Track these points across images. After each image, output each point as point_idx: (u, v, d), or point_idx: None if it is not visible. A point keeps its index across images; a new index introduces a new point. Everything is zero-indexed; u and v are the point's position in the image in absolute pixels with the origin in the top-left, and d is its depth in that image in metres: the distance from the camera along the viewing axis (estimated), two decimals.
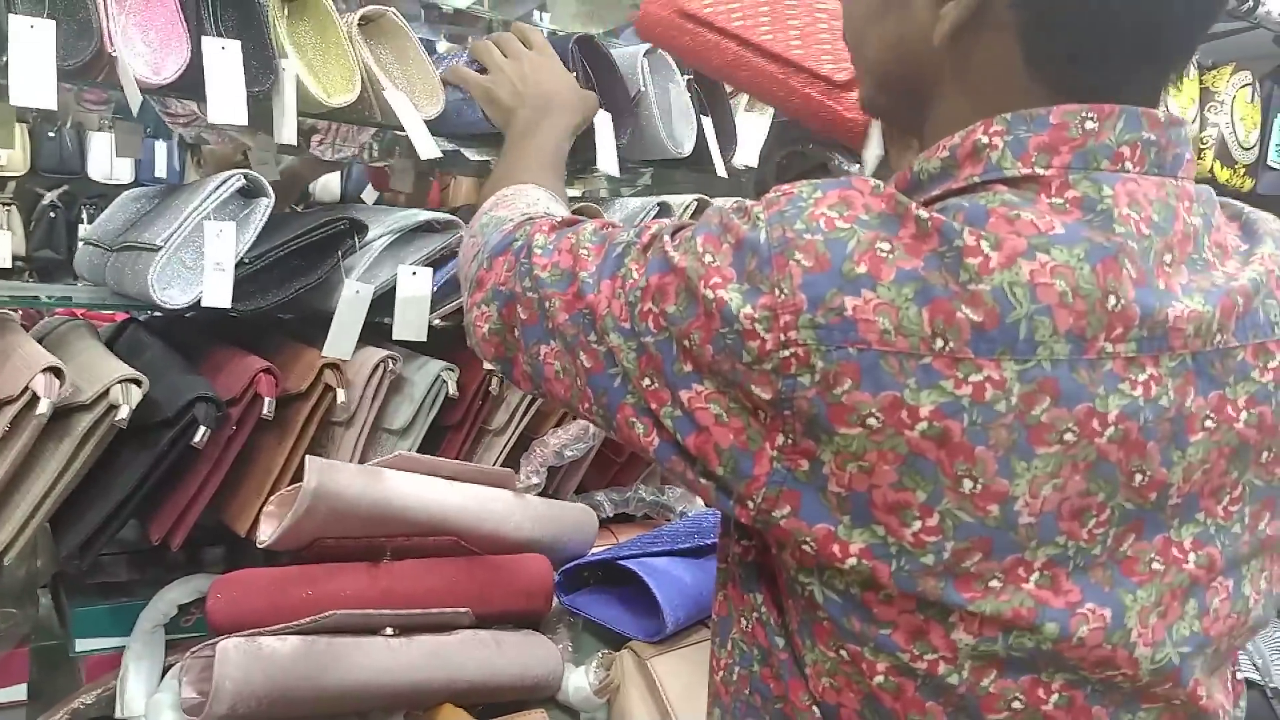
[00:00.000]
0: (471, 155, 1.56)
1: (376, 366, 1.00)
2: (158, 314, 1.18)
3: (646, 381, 0.54)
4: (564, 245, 0.61)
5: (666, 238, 0.55)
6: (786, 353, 0.48)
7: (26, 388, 0.80)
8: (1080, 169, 0.50)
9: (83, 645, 0.99)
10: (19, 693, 0.94)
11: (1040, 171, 0.50)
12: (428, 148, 1.00)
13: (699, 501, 1.26)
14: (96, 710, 0.91)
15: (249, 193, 0.96)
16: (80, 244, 1.21)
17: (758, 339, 0.49)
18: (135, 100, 0.90)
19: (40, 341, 1.02)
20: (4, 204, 2.47)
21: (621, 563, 1.02)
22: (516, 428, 1.10)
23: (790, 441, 0.49)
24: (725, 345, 0.50)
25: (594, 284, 0.57)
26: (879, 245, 0.48)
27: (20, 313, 1.15)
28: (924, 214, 0.49)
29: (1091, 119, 0.50)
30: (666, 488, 1.23)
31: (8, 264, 2.33)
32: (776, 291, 0.48)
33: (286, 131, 0.95)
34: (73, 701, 0.91)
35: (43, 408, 0.80)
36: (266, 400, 0.93)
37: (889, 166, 0.82)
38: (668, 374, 0.53)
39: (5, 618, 0.92)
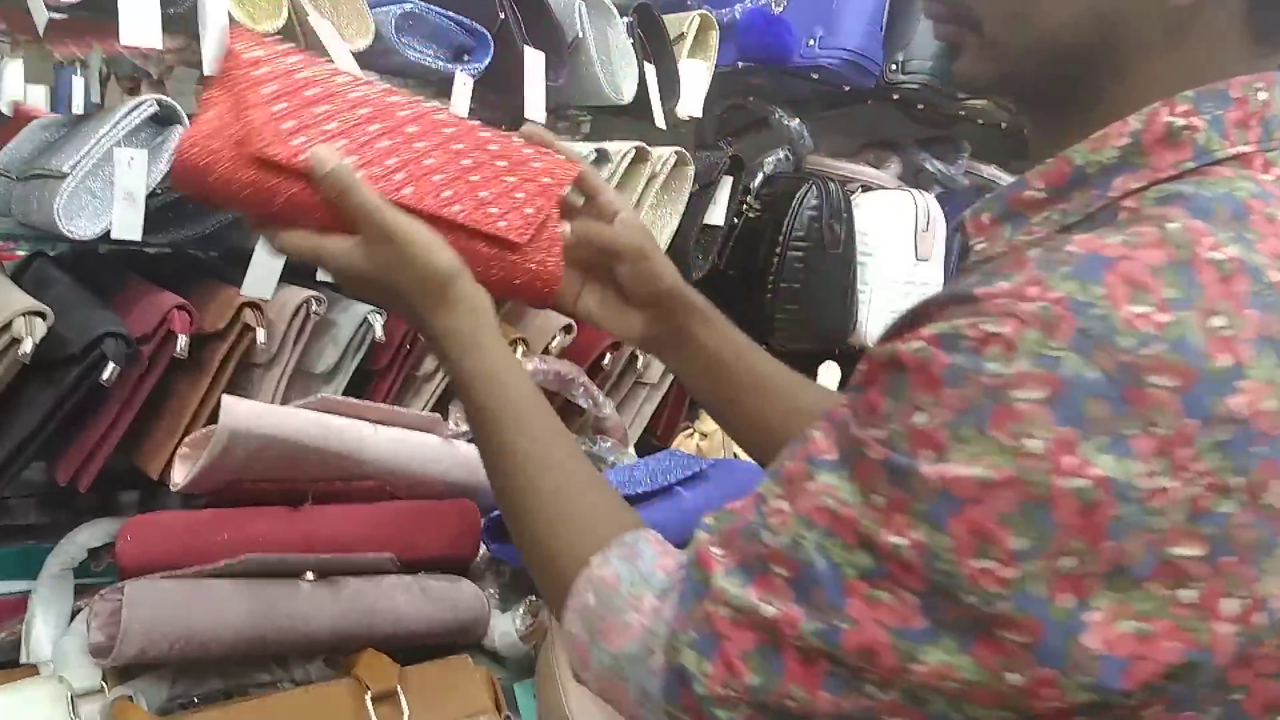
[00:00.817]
0: None
1: (299, 307, 0.97)
2: (67, 249, 1.13)
3: (1013, 678, 0.40)
4: (744, 622, 0.45)
5: (918, 470, 0.40)
6: (1199, 489, 0.39)
7: None
8: (1266, 140, 0.47)
9: None
10: None
11: (1243, 149, 0.46)
12: None
13: (631, 451, 1.26)
14: (1, 654, 0.88)
15: (162, 120, 0.92)
16: None
17: (1164, 493, 0.39)
18: (42, 18, 0.85)
19: None
20: None
21: None
22: (447, 374, 1.08)
23: (1245, 601, 0.40)
24: (1128, 525, 0.39)
25: (839, 627, 0.42)
26: (1213, 324, 0.40)
27: None
28: (1218, 255, 0.41)
29: (1261, 87, 0.47)
30: (598, 437, 1.23)
31: None
32: (1153, 428, 0.39)
33: (214, 59, 0.90)
34: None
35: None
36: (180, 338, 0.90)
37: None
38: (1046, 642, 0.39)
39: None
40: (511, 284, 0.66)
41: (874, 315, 1.50)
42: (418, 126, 0.63)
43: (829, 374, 1.36)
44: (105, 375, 0.85)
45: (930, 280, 1.55)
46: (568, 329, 1.20)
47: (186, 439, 0.92)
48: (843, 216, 1.49)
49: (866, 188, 1.58)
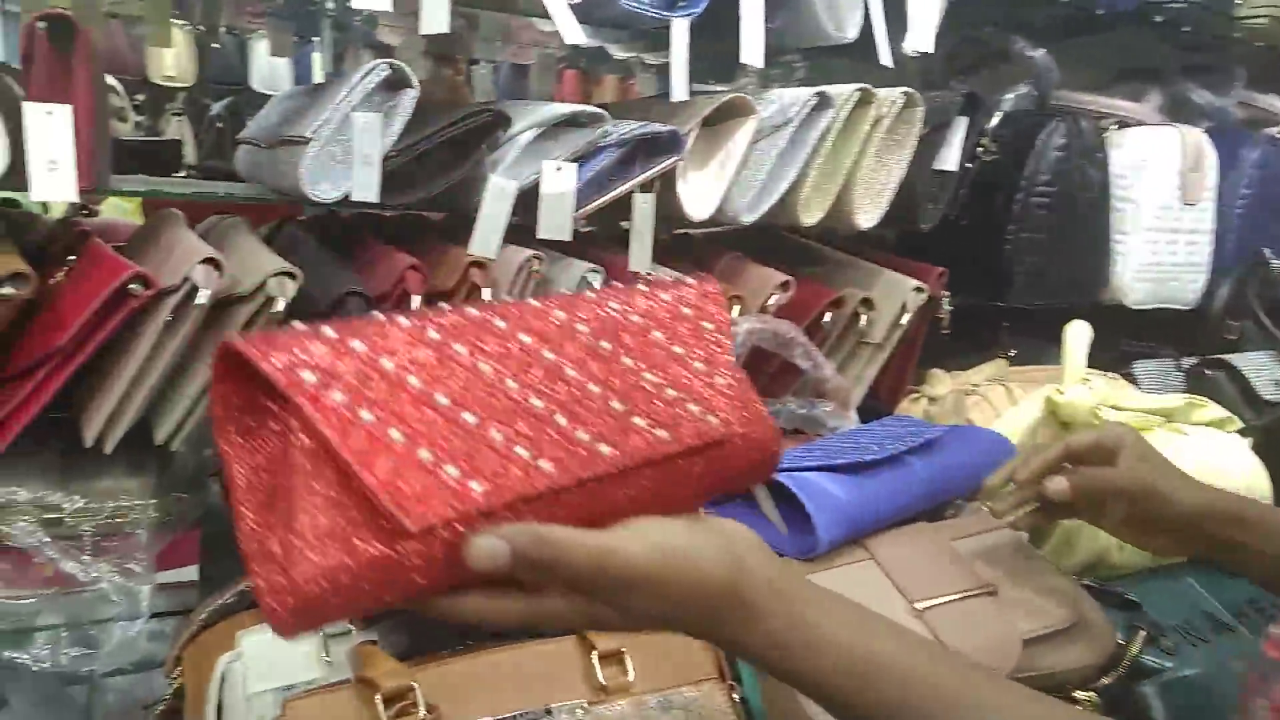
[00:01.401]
0: (617, 53, 1.49)
1: (521, 266, 0.98)
2: (313, 212, 1.19)
3: None
4: None
5: None
6: None
7: (186, 278, 0.82)
8: None
9: None
10: (191, 573, 1.00)
11: None
12: (572, 32, 0.94)
13: (853, 415, 1.20)
14: None
15: (394, 84, 0.94)
16: (238, 145, 1.23)
17: None
18: None
19: (204, 236, 1.04)
20: (176, 114, 2.58)
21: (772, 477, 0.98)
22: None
23: None
24: None
25: None
26: None
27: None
28: None
29: None
30: (819, 401, 1.17)
31: (193, 160, 2.44)
32: None
33: (433, 19, 0.91)
34: (240, 584, 0.94)
35: (202, 298, 0.81)
36: (414, 298, 0.92)
37: None
38: None
39: (177, 503, 0.96)
40: (738, 476, 0.52)
41: (1131, 268, 1.35)
42: (553, 351, 0.47)
43: (1078, 334, 1.22)
44: None
45: (1199, 228, 1.36)
46: (784, 285, 1.14)
47: None
48: (1094, 157, 1.33)
49: (1123, 124, 1.40)
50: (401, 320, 0.44)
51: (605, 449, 0.46)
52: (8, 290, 0.76)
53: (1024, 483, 0.80)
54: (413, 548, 0.41)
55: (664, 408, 0.48)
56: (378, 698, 0.68)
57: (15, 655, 0.83)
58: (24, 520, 0.84)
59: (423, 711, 0.68)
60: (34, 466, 0.89)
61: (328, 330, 0.43)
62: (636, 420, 0.47)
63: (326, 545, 0.40)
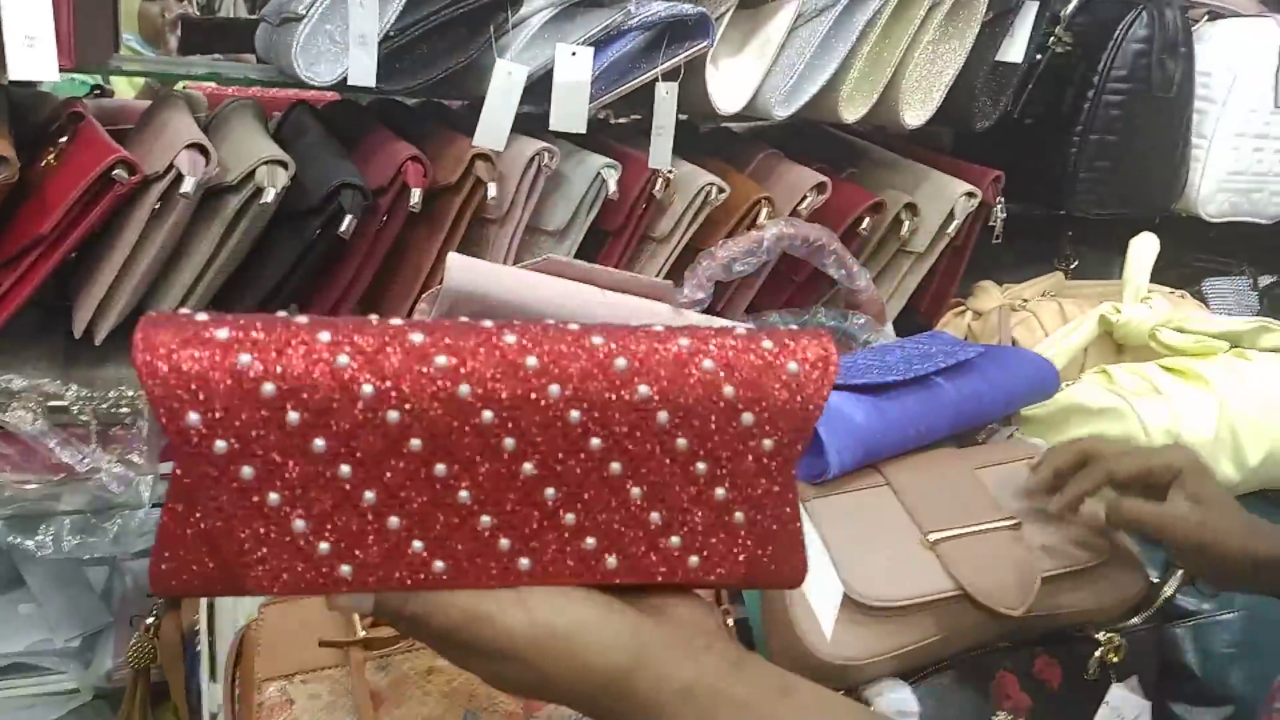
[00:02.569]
0: None
1: (531, 160, 0.92)
2: (332, 97, 1.14)
3: None
4: None
5: None
6: None
7: (171, 165, 0.78)
8: None
9: None
10: None
11: None
12: None
13: (888, 330, 1.13)
14: None
15: None
16: (258, 23, 1.17)
17: None
18: None
19: (211, 120, 1.00)
20: None
21: None
22: (682, 237, 1.00)
23: None
24: None
25: None
26: None
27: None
28: None
29: None
30: (850, 313, 1.10)
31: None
32: None
33: None
34: None
35: (187, 186, 0.78)
36: (414, 191, 0.87)
37: None
38: None
39: None
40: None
41: (1210, 176, 1.23)
42: (516, 436, 0.38)
43: (1144, 248, 1.12)
44: (343, 227, 0.84)
45: None
46: (819, 188, 1.06)
47: (424, 295, 0.91)
48: (1179, 51, 1.20)
49: (1215, 15, 1.26)
50: (341, 359, 0.36)
51: (525, 563, 0.39)
52: None
53: (1059, 511, 0.79)
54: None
55: (634, 536, 0.40)
56: None
57: (21, 540, 0.84)
58: (24, 408, 0.83)
59: None
60: (37, 355, 0.88)
61: (244, 358, 0.35)
62: (586, 542, 0.40)
63: (185, 565, 0.37)
